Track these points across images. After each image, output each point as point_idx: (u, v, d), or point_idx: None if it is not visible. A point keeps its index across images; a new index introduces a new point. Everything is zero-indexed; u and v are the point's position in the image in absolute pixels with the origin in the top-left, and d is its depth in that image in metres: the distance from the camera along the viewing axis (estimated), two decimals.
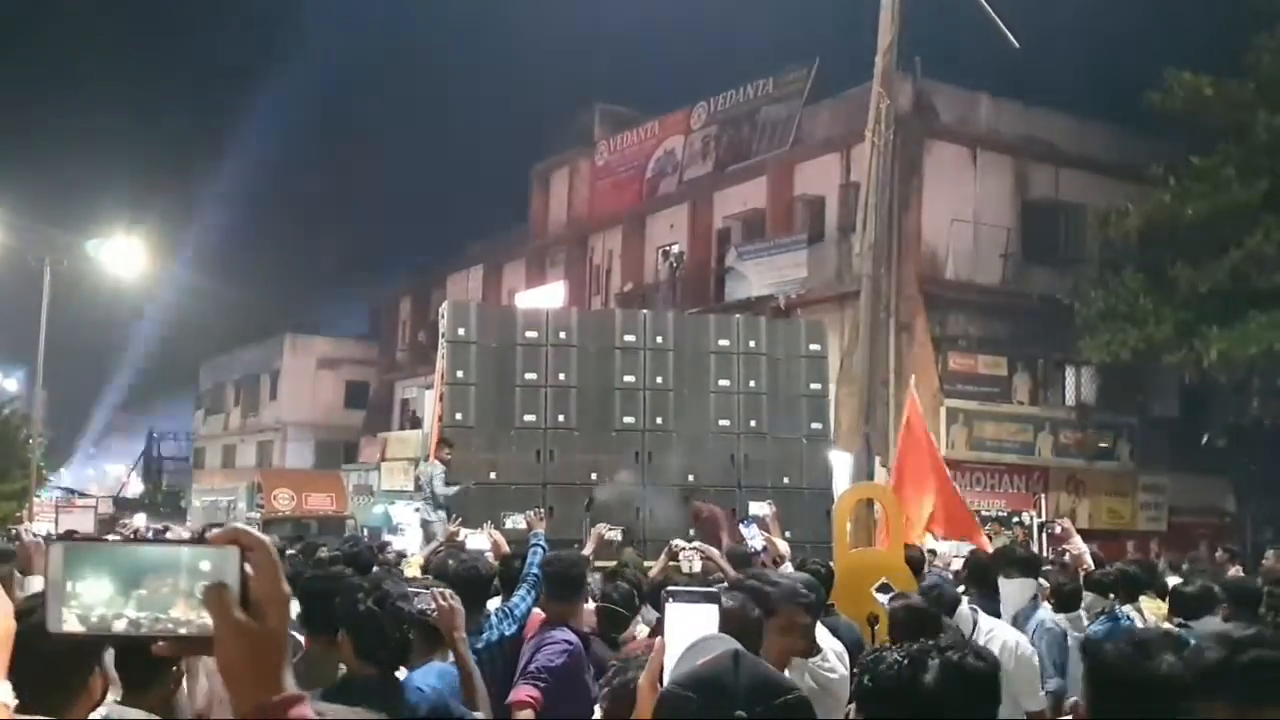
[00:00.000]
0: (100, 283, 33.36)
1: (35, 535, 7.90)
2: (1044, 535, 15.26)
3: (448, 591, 4.58)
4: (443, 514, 12.74)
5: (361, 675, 3.98)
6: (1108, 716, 2.79)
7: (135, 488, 58.97)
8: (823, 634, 5.18)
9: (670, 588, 3.53)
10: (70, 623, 1.35)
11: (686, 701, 1.63)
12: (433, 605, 4.41)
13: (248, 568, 1.37)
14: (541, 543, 9.22)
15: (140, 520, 37.35)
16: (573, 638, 5.27)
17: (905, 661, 2.91)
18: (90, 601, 1.35)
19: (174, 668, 3.19)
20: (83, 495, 46.08)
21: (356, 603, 3.99)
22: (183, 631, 1.36)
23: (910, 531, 9.86)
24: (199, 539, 1.49)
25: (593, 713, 4.57)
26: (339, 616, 4.06)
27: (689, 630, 2.13)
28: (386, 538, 22.77)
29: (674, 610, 2.15)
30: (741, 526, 9.46)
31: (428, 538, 12.49)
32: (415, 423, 36.17)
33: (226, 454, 52.41)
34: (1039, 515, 19.09)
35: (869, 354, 11.84)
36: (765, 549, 8.39)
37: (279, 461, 45.12)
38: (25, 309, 31.48)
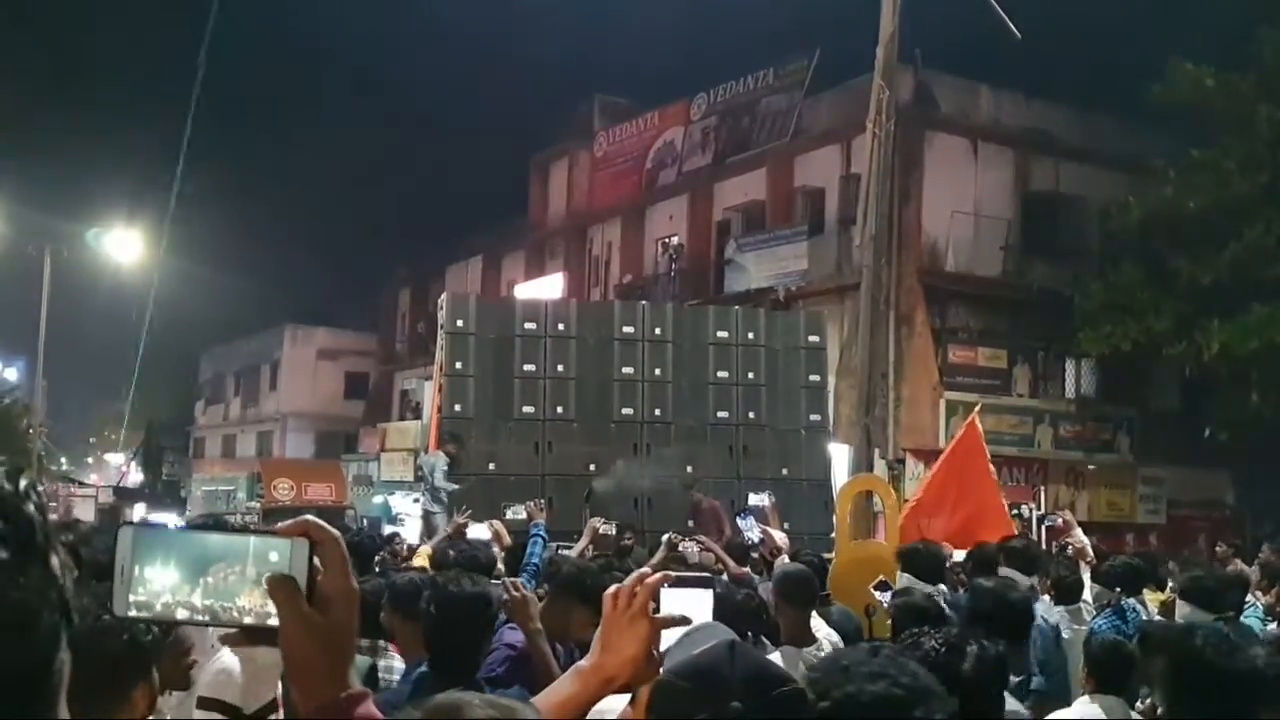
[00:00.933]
0: (100, 272, 33.39)
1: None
2: (1043, 528, 15.23)
3: (519, 581, 4.53)
4: (442, 504, 12.74)
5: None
6: (1191, 714, 2.65)
7: (135, 477, 59.03)
8: (818, 624, 5.19)
9: (670, 573, 3.51)
10: (135, 608, 1.35)
11: (682, 691, 1.62)
12: (505, 596, 4.33)
13: (316, 561, 1.36)
14: (542, 533, 9.22)
15: (140, 512, 37.42)
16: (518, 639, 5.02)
17: (943, 649, 2.90)
18: (157, 588, 1.34)
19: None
20: (83, 485, 46.15)
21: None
22: (248, 620, 1.35)
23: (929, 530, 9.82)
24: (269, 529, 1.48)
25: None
26: (425, 624, 3.87)
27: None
28: (390, 529, 22.80)
29: (670, 595, 2.15)
30: (738, 519, 9.45)
31: (429, 529, 12.49)
32: (415, 413, 36.17)
33: (226, 444, 52.46)
34: (1038, 508, 19.05)
35: (868, 346, 11.82)
36: (762, 541, 8.38)
37: (279, 452, 45.17)
38: (26, 299, 31.49)
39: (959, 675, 2.74)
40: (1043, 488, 23.40)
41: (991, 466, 11.61)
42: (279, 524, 1.40)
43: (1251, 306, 19.79)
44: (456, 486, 12.73)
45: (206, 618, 1.36)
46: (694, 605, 2.15)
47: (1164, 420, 25.09)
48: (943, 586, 6.88)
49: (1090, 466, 24.74)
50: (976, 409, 12.79)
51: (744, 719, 1.58)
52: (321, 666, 1.34)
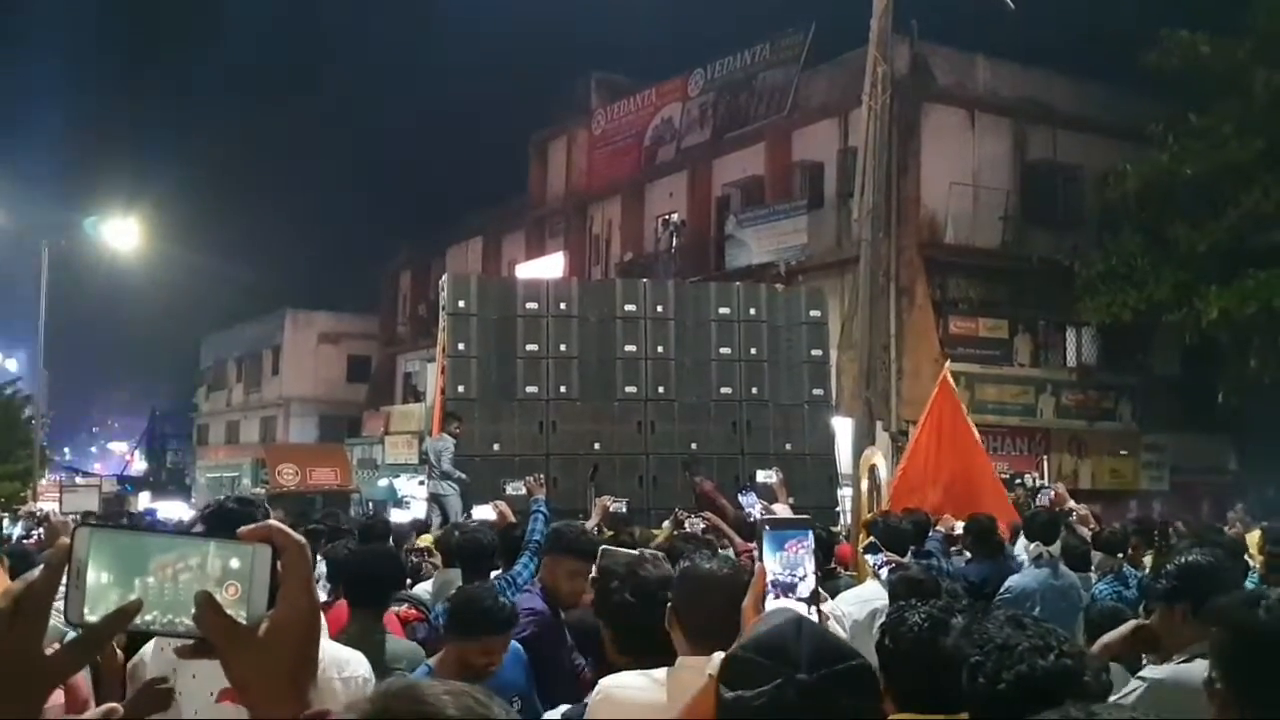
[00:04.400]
0: (100, 261, 33.39)
1: (65, 515, 7.86)
2: (1036, 500, 15.35)
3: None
4: (453, 486, 12.78)
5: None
6: (1255, 689, 2.51)
7: (139, 465, 59.18)
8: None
9: (765, 516, 3.52)
10: (90, 614, 1.26)
11: (752, 664, 1.70)
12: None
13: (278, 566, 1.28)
14: (543, 509, 9.29)
15: (145, 500, 37.52)
16: (538, 605, 5.00)
17: (925, 623, 2.96)
18: (112, 595, 1.26)
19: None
20: (86, 474, 46.26)
21: (612, 592, 3.61)
22: (184, 630, 1.26)
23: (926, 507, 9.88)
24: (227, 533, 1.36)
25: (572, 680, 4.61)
26: (599, 607, 3.78)
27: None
28: (396, 514, 22.88)
29: (771, 538, 2.25)
30: (740, 495, 9.52)
31: (443, 511, 12.54)
32: (417, 396, 36.25)
33: (230, 430, 52.51)
34: (1041, 477, 19.17)
35: (868, 319, 11.86)
36: (764, 516, 8.43)
37: (282, 437, 45.21)
38: (26, 289, 31.50)
39: (940, 648, 2.79)
40: (1045, 457, 23.51)
41: (973, 426, 11.61)
42: (241, 529, 1.30)
43: (1250, 272, 19.83)
44: (464, 476, 12.76)
45: (160, 627, 1.28)
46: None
47: (1166, 387, 25.18)
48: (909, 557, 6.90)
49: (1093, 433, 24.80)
50: (945, 366, 12.75)
51: (808, 689, 1.64)
52: (269, 683, 1.24)
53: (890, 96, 11.29)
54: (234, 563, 1.28)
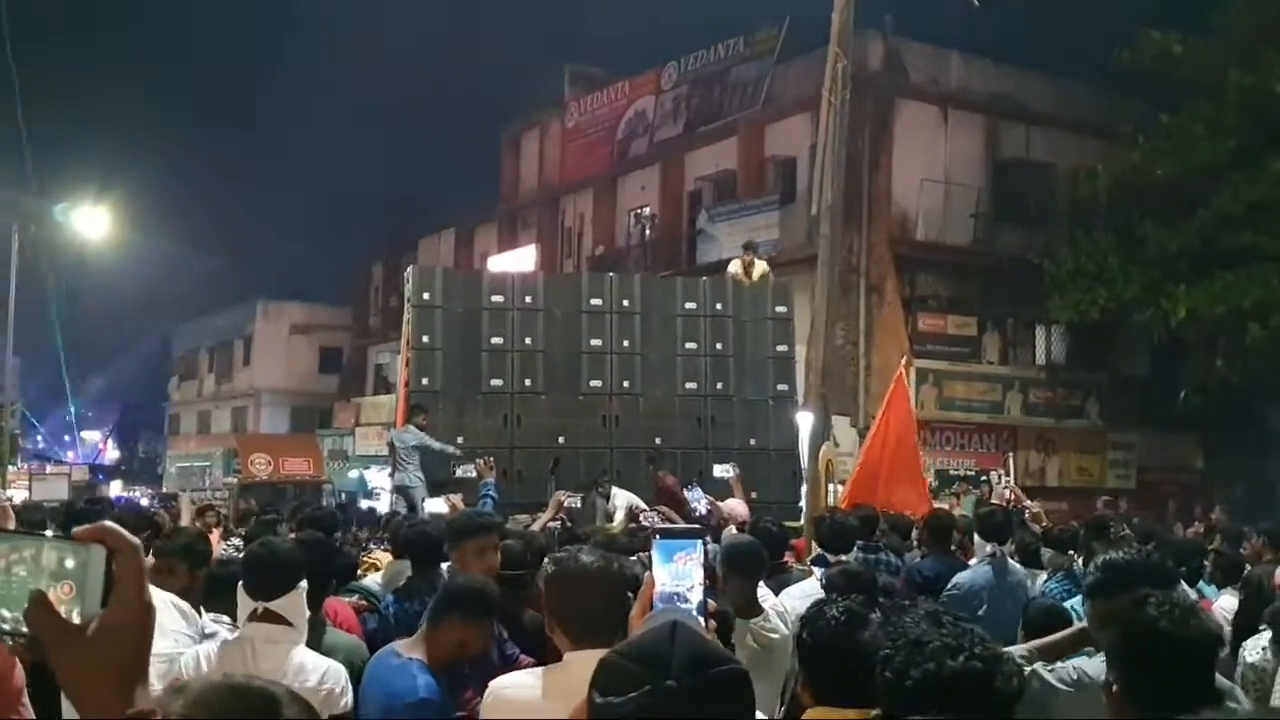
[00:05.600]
0: (70, 249, 33.06)
1: (3, 502, 7.79)
2: (992, 497, 15.44)
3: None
4: (418, 478, 12.67)
5: None
6: (1146, 686, 2.59)
7: (112, 454, 58.88)
8: (764, 593, 5.23)
9: (659, 525, 3.46)
10: None
11: (623, 670, 1.67)
12: None
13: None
14: (491, 492, 9.28)
15: (117, 489, 37.31)
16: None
17: (843, 617, 2.93)
18: None
19: None
20: (57, 462, 45.94)
21: None
22: (25, 630, 1.27)
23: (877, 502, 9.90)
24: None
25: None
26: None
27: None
28: (367, 504, 22.79)
29: (661, 548, 2.22)
30: (686, 491, 9.54)
31: (408, 503, 12.47)
32: (388, 388, 36.11)
33: (201, 420, 52.28)
34: (1008, 474, 19.20)
35: (825, 315, 11.85)
36: (710, 512, 8.49)
37: (254, 427, 45.04)
38: None
39: (858, 643, 2.77)
40: (1012, 454, 23.58)
41: (913, 428, 11.66)
42: (77, 529, 1.31)
43: (1218, 273, 19.91)
44: (457, 450, 12.67)
45: None
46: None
47: (1133, 386, 25.30)
48: (849, 556, 6.87)
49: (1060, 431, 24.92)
50: (902, 363, 12.79)
51: (676, 695, 1.60)
52: (98, 684, 1.26)
53: (849, 92, 11.22)
54: (69, 562, 1.28)
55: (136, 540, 1.31)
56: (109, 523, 1.33)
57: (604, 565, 3.01)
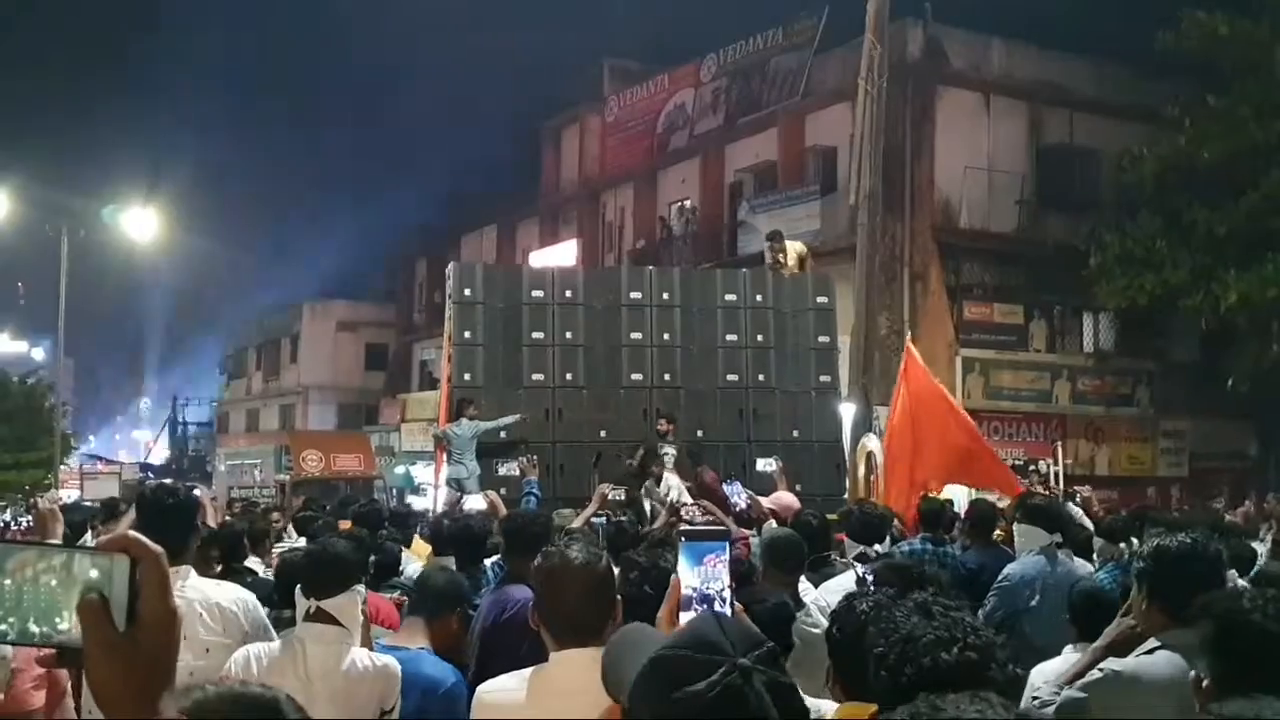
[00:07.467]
0: (119, 250, 33.52)
1: (52, 503, 7.84)
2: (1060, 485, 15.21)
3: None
4: (473, 465, 12.72)
5: None
6: (1241, 682, 2.39)
7: (162, 453, 59.59)
8: (806, 587, 5.19)
9: (683, 527, 3.45)
10: None
11: (690, 661, 1.65)
12: None
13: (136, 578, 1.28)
14: (535, 490, 9.29)
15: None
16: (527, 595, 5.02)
17: (872, 612, 2.90)
18: None
19: None
20: (109, 462, 46.63)
21: (630, 584, 3.45)
22: (60, 640, 1.28)
23: (914, 484, 9.79)
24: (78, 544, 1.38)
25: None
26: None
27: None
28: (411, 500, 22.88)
29: (688, 550, 2.21)
30: (725, 485, 9.48)
31: (463, 493, 12.50)
32: (434, 383, 36.24)
33: (250, 418, 52.80)
34: (1056, 463, 18.96)
35: (864, 305, 11.75)
36: (750, 506, 8.44)
37: (301, 424, 45.38)
38: (50, 279, 31.60)
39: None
40: (1061, 443, 23.33)
41: (950, 397, 11.40)
42: (99, 539, 1.33)
43: (1269, 256, 19.60)
44: (515, 418, 12.76)
45: (15, 635, 1.27)
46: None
47: (1183, 372, 24.95)
48: (882, 546, 6.84)
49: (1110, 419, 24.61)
50: (908, 338, 12.54)
51: (752, 670, 1.62)
52: (129, 693, 1.27)
53: (887, 81, 11.11)
54: (93, 573, 1.28)
55: (159, 549, 1.31)
56: (132, 532, 1.35)
57: (589, 562, 2.94)
